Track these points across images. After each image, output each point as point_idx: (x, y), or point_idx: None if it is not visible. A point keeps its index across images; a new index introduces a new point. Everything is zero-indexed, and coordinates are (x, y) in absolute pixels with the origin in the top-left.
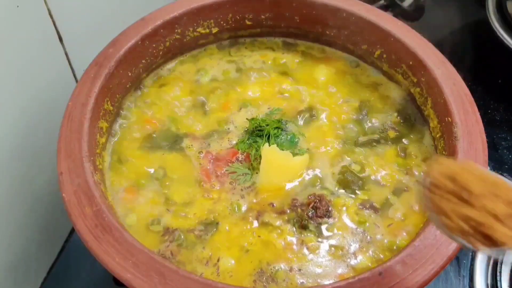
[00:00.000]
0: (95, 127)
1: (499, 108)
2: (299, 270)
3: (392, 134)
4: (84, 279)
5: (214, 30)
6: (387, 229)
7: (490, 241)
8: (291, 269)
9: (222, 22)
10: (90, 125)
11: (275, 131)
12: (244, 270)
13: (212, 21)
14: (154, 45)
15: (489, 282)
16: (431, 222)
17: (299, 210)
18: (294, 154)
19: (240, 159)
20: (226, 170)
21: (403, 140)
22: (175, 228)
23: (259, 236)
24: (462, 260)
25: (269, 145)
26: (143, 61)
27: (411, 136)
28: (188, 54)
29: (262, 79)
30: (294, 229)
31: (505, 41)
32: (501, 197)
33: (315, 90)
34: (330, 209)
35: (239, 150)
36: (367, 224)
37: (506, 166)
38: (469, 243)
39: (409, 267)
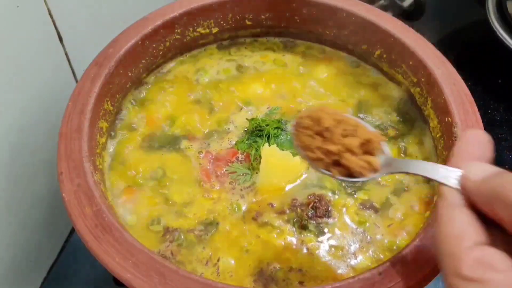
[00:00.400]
0: (95, 127)
1: (499, 108)
2: (299, 270)
3: (392, 132)
4: (84, 279)
5: (214, 30)
6: (387, 229)
7: (348, 170)
8: (291, 269)
9: (222, 22)
10: (90, 125)
11: (275, 131)
12: (244, 270)
13: (212, 21)
14: (154, 45)
15: None
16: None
17: (298, 210)
18: (294, 154)
19: (240, 159)
20: (226, 170)
21: (403, 140)
22: (175, 228)
23: (259, 236)
24: None
25: (269, 145)
26: (143, 61)
27: (411, 136)
28: (188, 54)
29: (262, 79)
30: (294, 229)
31: (505, 41)
32: (358, 136)
33: (315, 90)
34: (330, 209)
35: (239, 150)
36: (367, 224)
37: (506, 166)
38: (330, 173)
39: (409, 267)
